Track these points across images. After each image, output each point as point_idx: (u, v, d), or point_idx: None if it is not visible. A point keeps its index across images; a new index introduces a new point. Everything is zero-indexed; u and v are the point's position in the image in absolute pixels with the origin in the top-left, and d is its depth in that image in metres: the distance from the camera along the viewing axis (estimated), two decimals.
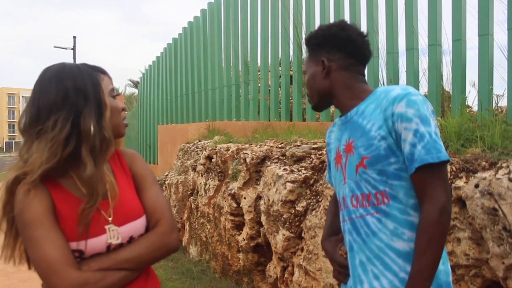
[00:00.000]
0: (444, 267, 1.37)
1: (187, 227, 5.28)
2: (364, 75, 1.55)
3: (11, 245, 1.21)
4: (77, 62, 1.31)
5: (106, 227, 1.22)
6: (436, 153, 1.27)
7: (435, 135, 1.29)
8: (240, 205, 3.98)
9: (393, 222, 1.34)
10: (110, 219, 1.23)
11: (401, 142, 1.31)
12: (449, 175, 2.17)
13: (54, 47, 25.42)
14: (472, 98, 3.99)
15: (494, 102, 3.98)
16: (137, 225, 1.28)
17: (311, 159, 3.31)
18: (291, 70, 5.82)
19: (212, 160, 4.82)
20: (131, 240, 1.26)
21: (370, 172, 1.37)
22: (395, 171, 1.34)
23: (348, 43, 1.51)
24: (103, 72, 1.32)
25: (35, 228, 1.13)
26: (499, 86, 6.70)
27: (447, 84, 3.99)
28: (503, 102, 3.60)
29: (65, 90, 1.19)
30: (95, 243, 1.19)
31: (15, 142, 72.49)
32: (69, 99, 1.18)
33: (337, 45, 1.52)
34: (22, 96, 76.74)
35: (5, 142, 72.49)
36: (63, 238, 1.15)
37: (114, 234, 1.23)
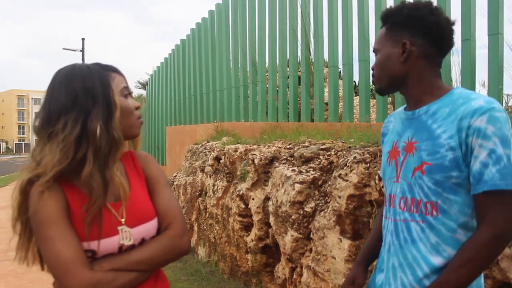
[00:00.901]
0: (477, 282, 1.29)
1: (195, 228, 5.29)
2: (440, 68, 1.42)
3: (25, 246, 1.23)
4: (88, 62, 1.30)
5: (119, 228, 1.23)
6: (510, 181, 1.17)
7: (510, 158, 1.19)
8: (249, 206, 3.98)
9: (436, 236, 1.28)
10: (122, 220, 1.24)
11: (471, 158, 1.21)
12: None
13: (63, 49, 25.57)
14: None
15: (504, 102, 3.95)
16: (149, 227, 1.28)
17: (320, 160, 3.30)
18: (299, 71, 5.81)
19: (221, 161, 4.82)
20: (143, 241, 1.27)
21: (427, 179, 1.28)
22: (453, 185, 1.25)
23: (435, 30, 1.36)
24: (115, 70, 1.32)
25: (49, 228, 1.14)
26: (510, 86, 6.64)
27: (456, 84, 3.96)
28: None
29: (74, 91, 1.19)
30: (108, 244, 1.20)
31: (24, 143, 73.03)
32: (78, 100, 1.19)
33: (422, 29, 1.36)
34: (32, 98, 77.29)
35: (15, 143, 73.06)
36: (76, 238, 1.16)
37: (127, 235, 1.24)
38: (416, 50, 1.36)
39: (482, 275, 1.34)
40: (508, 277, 1.95)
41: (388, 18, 1.42)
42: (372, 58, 4.48)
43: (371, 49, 4.45)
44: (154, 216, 1.31)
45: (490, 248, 1.18)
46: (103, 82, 1.24)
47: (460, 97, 1.29)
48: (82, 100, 1.19)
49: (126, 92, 1.32)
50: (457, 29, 3.83)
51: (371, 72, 1.52)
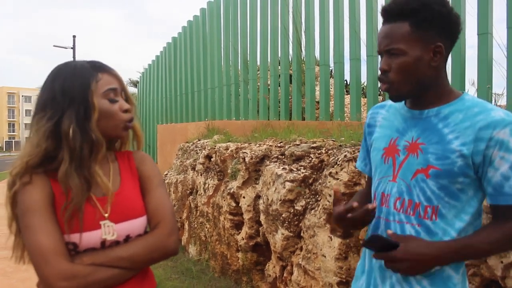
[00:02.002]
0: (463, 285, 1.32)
1: (186, 226, 5.28)
2: None
3: (21, 245, 1.25)
4: (85, 60, 1.32)
5: (101, 222, 1.23)
6: None
7: None
8: (239, 205, 3.98)
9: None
10: (106, 215, 1.24)
11: (490, 168, 1.21)
12: None
13: (54, 46, 25.38)
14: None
15: (494, 100, 3.99)
16: (135, 224, 1.27)
17: (310, 158, 3.30)
18: (291, 69, 5.81)
19: (212, 159, 4.82)
20: (128, 238, 1.26)
21: (432, 183, 1.27)
22: (456, 191, 1.26)
23: (458, 32, 1.29)
24: (105, 70, 1.31)
25: (32, 216, 1.17)
26: (500, 85, 6.71)
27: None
28: (503, 101, 3.61)
29: (53, 91, 1.23)
30: (90, 237, 1.20)
31: (15, 141, 72.49)
32: (56, 99, 1.22)
33: (449, 30, 1.27)
34: (22, 96, 76.66)
35: (5, 141, 72.49)
36: (57, 229, 1.17)
37: (109, 230, 1.23)
38: (444, 52, 1.28)
39: (466, 277, 1.35)
40: (495, 274, 1.96)
41: (411, 14, 1.25)
42: (363, 56, 4.52)
43: (362, 48, 4.48)
44: (142, 214, 1.30)
45: None
46: (83, 83, 1.24)
47: (475, 105, 1.26)
48: (60, 100, 1.22)
49: (111, 94, 1.29)
50: None
51: (379, 73, 1.35)
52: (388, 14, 1.29)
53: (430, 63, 1.27)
